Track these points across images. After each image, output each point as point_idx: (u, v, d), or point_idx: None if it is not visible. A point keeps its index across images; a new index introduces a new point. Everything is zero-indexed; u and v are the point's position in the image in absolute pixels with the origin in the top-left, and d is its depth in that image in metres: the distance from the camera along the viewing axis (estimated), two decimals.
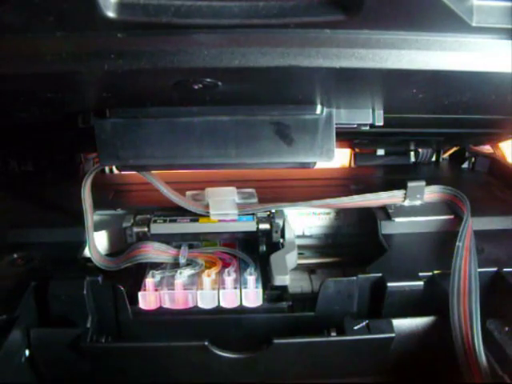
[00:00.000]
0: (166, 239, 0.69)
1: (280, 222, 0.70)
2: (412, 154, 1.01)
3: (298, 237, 0.79)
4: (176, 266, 0.66)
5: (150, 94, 0.57)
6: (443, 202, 0.75)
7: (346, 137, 0.91)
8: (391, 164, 1.01)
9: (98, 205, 0.72)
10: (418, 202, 0.74)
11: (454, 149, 1.03)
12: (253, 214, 0.71)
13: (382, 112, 0.64)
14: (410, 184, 0.73)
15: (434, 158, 1.03)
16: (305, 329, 0.59)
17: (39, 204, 0.80)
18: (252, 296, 0.61)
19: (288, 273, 0.61)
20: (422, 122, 0.76)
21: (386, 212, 0.74)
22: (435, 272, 0.61)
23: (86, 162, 0.98)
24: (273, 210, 0.72)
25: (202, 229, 0.71)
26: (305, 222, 0.80)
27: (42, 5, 0.39)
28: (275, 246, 0.69)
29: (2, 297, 0.57)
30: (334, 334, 0.57)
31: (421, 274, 0.60)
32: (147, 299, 0.61)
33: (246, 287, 0.61)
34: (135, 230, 0.69)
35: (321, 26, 0.44)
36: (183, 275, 0.63)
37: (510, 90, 0.54)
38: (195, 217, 0.71)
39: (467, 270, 0.57)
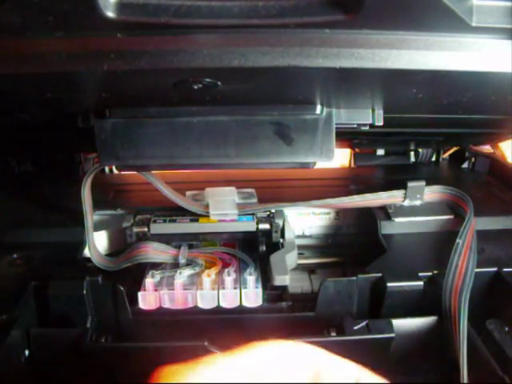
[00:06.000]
0: (165, 239, 0.69)
1: (280, 222, 0.70)
2: (412, 153, 1.01)
3: (298, 237, 0.79)
4: (176, 266, 0.66)
5: (149, 94, 0.57)
6: (443, 202, 0.75)
7: (346, 137, 0.91)
8: (391, 164, 1.01)
9: (97, 205, 0.72)
10: (417, 202, 0.74)
11: (454, 149, 1.03)
12: (253, 214, 0.71)
13: (381, 112, 0.64)
14: (410, 184, 0.73)
15: (434, 158, 1.03)
16: (305, 329, 0.59)
17: (39, 204, 0.80)
18: (252, 296, 0.61)
19: (288, 273, 0.60)
20: (421, 122, 0.76)
21: (385, 212, 0.74)
22: (435, 272, 0.61)
23: (85, 161, 0.98)
24: (273, 210, 0.72)
25: (202, 229, 0.71)
26: (305, 221, 0.80)
27: (42, 5, 0.39)
28: (275, 246, 0.69)
29: (1, 297, 0.57)
30: (333, 334, 0.56)
31: (421, 274, 0.60)
32: (147, 299, 0.61)
33: (245, 287, 0.61)
34: (135, 230, 0.69)
35: (320, 25, 0.44)
36: (183, 275, 0.63)
37: (510, 90, 0.54)
38: (195, 217, 0.71)
39: (464, 268, 0.57)
